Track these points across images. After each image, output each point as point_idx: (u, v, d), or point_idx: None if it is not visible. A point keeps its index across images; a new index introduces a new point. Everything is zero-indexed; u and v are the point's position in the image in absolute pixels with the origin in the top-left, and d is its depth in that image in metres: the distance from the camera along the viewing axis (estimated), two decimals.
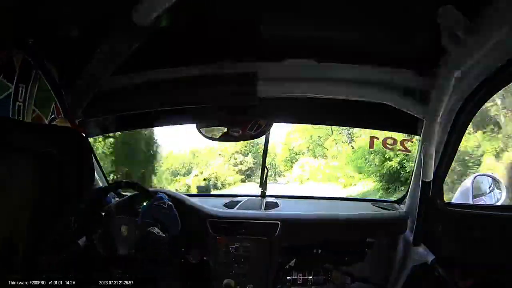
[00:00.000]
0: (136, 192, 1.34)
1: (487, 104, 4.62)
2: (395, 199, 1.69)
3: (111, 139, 5.02)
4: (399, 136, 1.35)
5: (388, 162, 6.82)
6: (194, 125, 1.42)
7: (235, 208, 1.57)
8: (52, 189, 0.53)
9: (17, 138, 0.51)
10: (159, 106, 1.28)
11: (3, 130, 0.50)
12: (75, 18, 0.79)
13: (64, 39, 0.88)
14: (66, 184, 0.55)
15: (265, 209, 1.59)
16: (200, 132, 1.33)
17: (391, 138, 1.28)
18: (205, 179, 9.92)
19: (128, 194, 1.43)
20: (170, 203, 1.15)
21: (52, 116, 0.53)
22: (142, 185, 1.35)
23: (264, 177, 1.78)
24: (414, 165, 1.38)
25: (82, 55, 0.95)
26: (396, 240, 1.46)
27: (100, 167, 1.60)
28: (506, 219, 1.03)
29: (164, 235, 1.01)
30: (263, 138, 1.63)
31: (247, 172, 10.17)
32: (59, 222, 0.58)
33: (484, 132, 5.26)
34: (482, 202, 1.47)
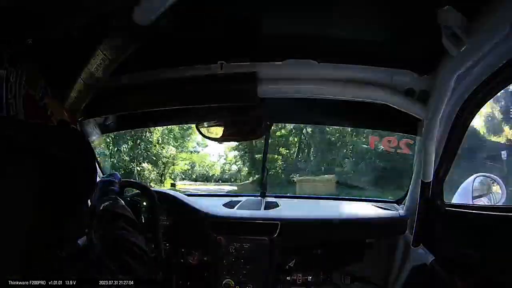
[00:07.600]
0: (136, 191, 1.34)
1: None
2: (395, 199, 1.69)
3: None
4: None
5: None
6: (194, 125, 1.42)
7: (235, 208, 1.57)
8: (54, 190, 0.53)
9: (17, 137, 0.51)
10: (159, 106, 1.28)
11: (2, 129, 0.50)
12: (75, 17, 0.79)
13: (64, 39, 0.88)
14: (68, 184, 0.55)
15: (265, 209, 1.59)
16: (200, 132, 1.33)
17: (391, 138, 1.28)
18: None
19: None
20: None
21: (41, 94, 0.57)
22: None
23: (264, 177, 1.78)
24: (414, 165, 1.38)
25: (82, 55, 0.95)
26: (395, 241, 1.46)
27: (100, 167, 1.60)
28: (506, 219, 1.03)
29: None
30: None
31: None
32: (60, 224, 0.57)
33: None
34: (482, 203, 1.47)
